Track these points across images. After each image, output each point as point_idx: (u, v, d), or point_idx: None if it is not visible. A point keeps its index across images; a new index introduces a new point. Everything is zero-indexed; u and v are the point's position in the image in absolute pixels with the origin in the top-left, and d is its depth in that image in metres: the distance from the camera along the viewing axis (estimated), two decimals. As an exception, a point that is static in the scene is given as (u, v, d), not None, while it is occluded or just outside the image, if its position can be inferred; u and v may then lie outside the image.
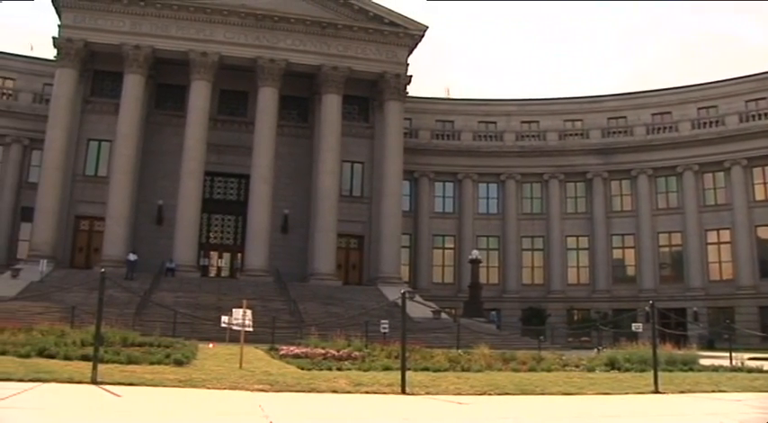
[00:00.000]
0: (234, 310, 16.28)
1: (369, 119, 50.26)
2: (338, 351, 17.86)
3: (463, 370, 15.32)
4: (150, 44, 44.39)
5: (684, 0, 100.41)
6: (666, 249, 52.84)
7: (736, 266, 49.19)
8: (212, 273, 48.10)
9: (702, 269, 50.38)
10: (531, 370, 16.06)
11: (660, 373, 12.93)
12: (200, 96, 44.67)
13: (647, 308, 16.90)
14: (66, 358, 13.85)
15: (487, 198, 56.45)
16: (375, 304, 34.23)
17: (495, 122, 57.70)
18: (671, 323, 38.70)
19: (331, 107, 46.55)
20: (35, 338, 17.08)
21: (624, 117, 55.85)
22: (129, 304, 31.63)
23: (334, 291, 41.85)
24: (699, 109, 53.35)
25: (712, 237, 51.04)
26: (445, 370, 15.16)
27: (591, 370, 16.64)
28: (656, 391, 12.05)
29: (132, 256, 40.64)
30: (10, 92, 49.49)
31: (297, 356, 17.43)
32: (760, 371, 17.50)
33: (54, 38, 44.00)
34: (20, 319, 24.43)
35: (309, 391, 10.71)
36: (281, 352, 18.91)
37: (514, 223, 55.05)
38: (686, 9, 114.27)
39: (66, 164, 43.59)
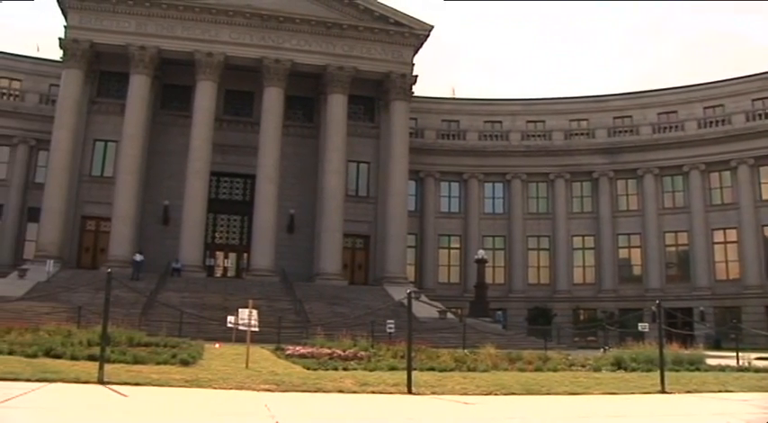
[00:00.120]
0: (240, 310, 16.28)
1: (374, 119, 50.23)
2: (344, 351, 17.85)
3: (469, 370, 15.29)
4: (156, 45, 44.50)
5: (688, 0, 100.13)
6: (673, 249, 52.69)
7: (743, 266, 49.03)
8: (218, 273, 48.24)
9: (709, 269, 50.23)
10: (538, 370, 16.02)
11: (667, 373, 12.90)
12: (205, 97, 44.78)
13: (653, 307, 16.89)
14: (73, 358, 13.90)
15: (493, 198, 56.39)
16: (381, 304, 34.18)
17: (500, 122, 57.67)
18: (677, 323, 38.63)
19: (337, 107, 46.58)
20: (42, 338, 17.15)
21: (630, 116, 55.70)
22: (136, 304, 31.72)
23: (340, 291, 41.85)
24: (705, 108, 53.20)
25: (719, 236, 50.88)
26: (451, 370, 15.14)
27: (597, 370, 16.60)
28: (663, 391, 12.02)
29: (138, 257, 40.72)
30: (17, 93, 49.69)
31: (303, 356, 17.43)
32: (767, 371, 17.44)
33: (60, 39, 44.17)
34: (27, 320, 24.56)
35: (315, 391, 10.72)
36: (288, 352, 18.93)
37: (520, 223, 54.97)
38: (690, 9, 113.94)
39: (73, 164, 43.76)
